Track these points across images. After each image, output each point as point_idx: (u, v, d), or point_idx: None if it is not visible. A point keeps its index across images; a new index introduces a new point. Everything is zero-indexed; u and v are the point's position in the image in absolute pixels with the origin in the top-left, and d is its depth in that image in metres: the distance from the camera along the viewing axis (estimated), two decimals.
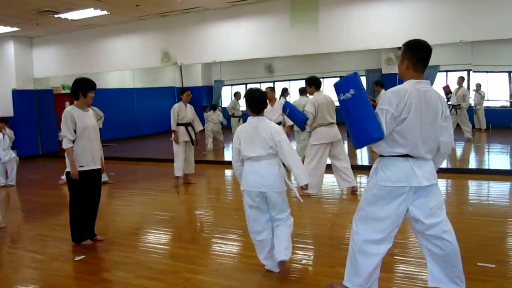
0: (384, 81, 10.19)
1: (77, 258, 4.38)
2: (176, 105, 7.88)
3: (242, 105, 11.42)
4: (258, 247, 3.77)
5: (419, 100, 2.75)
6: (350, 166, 6.50)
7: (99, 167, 4.75)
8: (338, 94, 2.88)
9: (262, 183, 3.51)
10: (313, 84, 6.44)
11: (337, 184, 6.63)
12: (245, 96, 3.78)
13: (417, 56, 2.83)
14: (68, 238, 5.09)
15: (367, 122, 2.74)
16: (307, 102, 6.39)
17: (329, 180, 7.76)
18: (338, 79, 2.97)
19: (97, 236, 4.85)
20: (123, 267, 4.09)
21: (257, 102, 3.64)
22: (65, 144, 4.51)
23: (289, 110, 6.03)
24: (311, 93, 6.44)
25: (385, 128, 2.74)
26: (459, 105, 10.83)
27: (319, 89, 6.39)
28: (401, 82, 2.92)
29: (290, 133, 7.01)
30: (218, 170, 9.62)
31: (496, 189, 6.90)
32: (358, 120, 2.79)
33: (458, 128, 10.94)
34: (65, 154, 4.54)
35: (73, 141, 4.52)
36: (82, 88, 4.61)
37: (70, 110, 4.57)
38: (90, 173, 4.64)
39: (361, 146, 2.93)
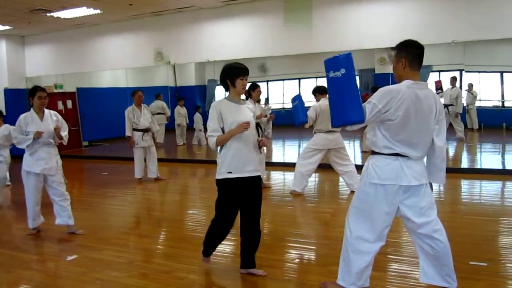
0: (378, 82, 10.21)
1: (69, 258, 4.35)
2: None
3: None
4: None
5: (413, 102, 2.76)
6: (351, 169, 6.46)
7: (254, 174, 3.65)
8: (327, 70, 2.84)
9: None
10: (317, 91, 6.52)
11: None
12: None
13: (412, 53, 2.85)
14: (60, 237, 5.08)
15: (351, 104, 2.75)
16: (311, 108, 6.39)
17: (323, 179, 7.78)
18: None
19: (255, 269, 3.75)
20: (116, 267, 4.07)
21: None
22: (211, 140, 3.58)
23: (296, 104, 6.05)
24: (318, 100, 6.47)
25: (367, 117, 2.77)
26: (451, 104, 10.89)
27: (325, 94, 6.38)
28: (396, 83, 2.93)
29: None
30: (210, 170, 9.60)
31: (488, 188, 6.94)
32: (342, 100, 2.79)
33: (450, 128, 11.01)
34: None
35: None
36: (229, 75, 3.64)
37: (217, 104, 3.68)
38: (239, 181, 3.59)
39: (338, 125, 2.95)
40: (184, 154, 11.90)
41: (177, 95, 14.54)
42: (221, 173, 3.59)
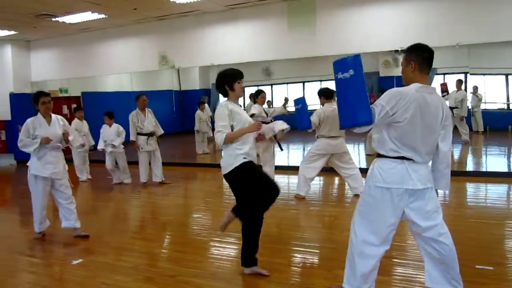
0: (382, 85, 10.19)
1: (75, 262, 4.35)
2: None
3: None
4: None
5: (421, 105, 2.75)
6: (356, 173, 6.42)
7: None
8: (336, 72, 2.85)
9: None
10: (322, 94, 6.46)
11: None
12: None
13: (422, 57, 2.85)
14: (65, 241, 5.08)
15: (359, 105, 2.74)
16: (314, 113, 6.36)
17: (327, 182, 7.77)
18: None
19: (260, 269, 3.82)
20: (121, 271, 4.08)
21: None
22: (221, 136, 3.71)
23: (300, 107, 6.00)
24: (322, 104, 6.44)
25: (375, 119, 2.76)
26: (456, 107, 10.86)
27: (330, 99, 6.37)
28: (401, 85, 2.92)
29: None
30: (215, 174, 9.60)
31: (494, 192, 6.91)
32: (351, 101, 2.78)
33: (455, 130, 10.96)
34: None
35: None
36: (227, 81, 3.91)
37: (226, 103, 3.91)
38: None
39: (347, 127, 2.93)
40: (189, 158, 11.90)
41: (203, 97, 13.77)
42: (238, 161, 3.67)
